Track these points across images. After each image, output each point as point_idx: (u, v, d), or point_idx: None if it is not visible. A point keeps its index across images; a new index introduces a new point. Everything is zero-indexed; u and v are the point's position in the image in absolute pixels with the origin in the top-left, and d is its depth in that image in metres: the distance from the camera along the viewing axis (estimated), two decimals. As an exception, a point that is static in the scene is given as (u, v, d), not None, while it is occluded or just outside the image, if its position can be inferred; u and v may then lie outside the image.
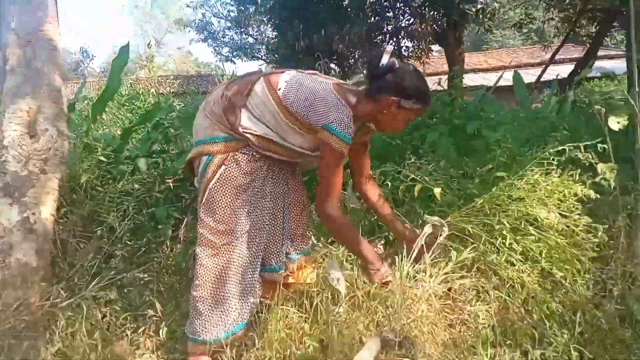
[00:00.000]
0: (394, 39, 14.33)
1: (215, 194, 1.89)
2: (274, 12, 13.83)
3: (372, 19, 12.87)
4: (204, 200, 1.92)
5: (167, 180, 2.70)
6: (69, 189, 2.52)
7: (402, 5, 12.84)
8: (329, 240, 2.25)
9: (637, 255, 2.17)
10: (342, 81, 2.03)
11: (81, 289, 2.20)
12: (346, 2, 12.24)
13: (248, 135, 1.89)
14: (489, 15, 9.63)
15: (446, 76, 13.31)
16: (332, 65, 12.87)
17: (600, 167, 2.17)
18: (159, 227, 2.83)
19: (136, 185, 2.73)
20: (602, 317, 1.94)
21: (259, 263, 2.00)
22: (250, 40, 20.04)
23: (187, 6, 20.04)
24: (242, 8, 17.25)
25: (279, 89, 1.87)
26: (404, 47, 14.95)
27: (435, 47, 15.44)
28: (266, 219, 2.00)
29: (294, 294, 2.05)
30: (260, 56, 19.44)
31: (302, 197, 2.14)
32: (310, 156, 1.98)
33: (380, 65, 1.83)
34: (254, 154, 1.93)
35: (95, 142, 3.19)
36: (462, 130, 2.82)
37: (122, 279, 2.44)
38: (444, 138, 2.82)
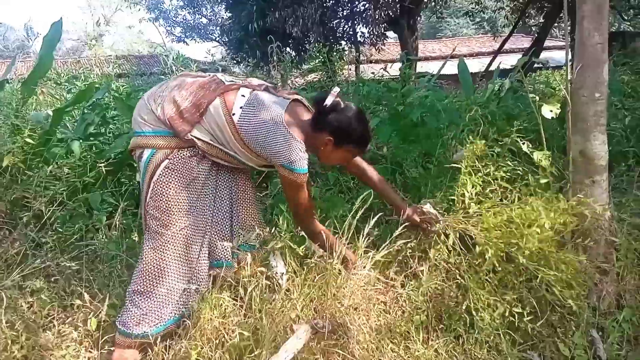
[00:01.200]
0: (349, 24, 14.33)
1: (159, 188, 1.87)
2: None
3: (328, 2, 12.80)
4: (149, 194, 1.89)
5: (100, 164, 2.58)
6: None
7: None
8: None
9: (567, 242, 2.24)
10: (294, 99, 2.01)
11: (3, 278, 2.08)
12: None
13: (195, 140, 1.88)
14: (441, 3, 9.73)
15: (399, 64, 13.47)
16: (287, 49, 12.72)
17: (536, 155, 2.23)
18: (94, 213, 2.73)
19: (66, 170, 2.59)
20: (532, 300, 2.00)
21: (204, 257, 2.00)
22: (204, 20, 19.56)
23: (136, -17, 19.27)
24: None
25: (234, 114, 1.85)
26: (360, 33, 15.01)
27: (391, 34, 15.52)
28: (209, 215, 2.00)
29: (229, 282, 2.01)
30: (214, 37, 19.02)
31: (250, 194, 2.16)
32: (259, 169, 2.07)
33: (324, 104, 1.87)
34: (200, 153, 1.93)
35: (24, 124, 3.02)
36: (406, 117, 2.82)
37: (48, 267, 2.33)
38: (386, 125, 2.82)
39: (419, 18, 13.46)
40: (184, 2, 18.65)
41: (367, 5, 13.08)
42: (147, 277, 1.89)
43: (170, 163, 1.88)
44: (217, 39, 18.42)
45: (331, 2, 13.06)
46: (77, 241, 2.61)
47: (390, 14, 11.10)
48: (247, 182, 2.16)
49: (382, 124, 2.87)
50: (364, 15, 13.71)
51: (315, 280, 1.93)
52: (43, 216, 2.50)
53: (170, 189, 1.87)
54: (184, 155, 1.90)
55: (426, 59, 19.99)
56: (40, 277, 2.28)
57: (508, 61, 9.28)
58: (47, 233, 2.61)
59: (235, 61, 14.54)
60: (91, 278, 2.32)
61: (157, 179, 1.87)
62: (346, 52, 15.95)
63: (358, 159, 2.21)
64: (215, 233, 2.05)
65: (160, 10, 19.34)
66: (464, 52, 18.45)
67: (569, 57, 2.29)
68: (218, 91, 1.88)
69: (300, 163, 1.83)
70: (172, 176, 1.88)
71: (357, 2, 13.31)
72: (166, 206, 1.88)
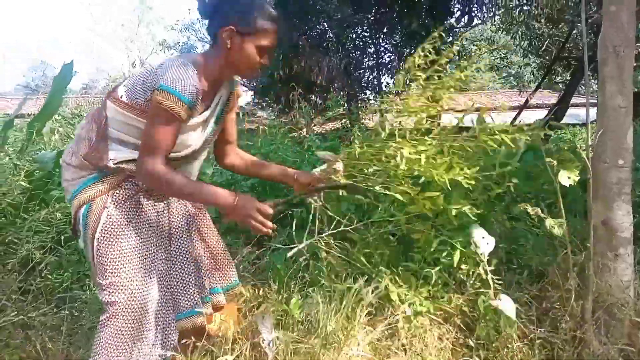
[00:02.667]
0: (374, 74, 14.47)
1: (102, 247, 1.60)
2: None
3: (353, 53, 12.98)
4: (94, 257, 1.62)
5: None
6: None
7: (382, 41, 12.98)
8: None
9: (587, 320, 2.03)
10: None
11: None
12: (328, 36, 12.31)
13: (123, 165, 1.63)
14: (465, 58, 9.74)
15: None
16: (312, 97, 12.86)
17: (549, 222, 2.04)
18: (87, 262, 2.62)
19: (58, 215, 2.50)
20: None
21: (169, 312, 1.73)
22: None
23: (172, 28, 19.98)
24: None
25: (121, 96, 1.62)
26: (385, 83, 15.12)
27: (416, 85, 15.60)
28: (165, 262, 1.73)
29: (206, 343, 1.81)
30: (242, 82, 19.42)
31: (210, 224, 1.91)
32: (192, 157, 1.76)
33: (204, 6, 1.64)
34: (138, 185, 1.68)
35: (29, 164, 2.98)
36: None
37: (29, 318, 2.21)
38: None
39: (444, 70, 13.49)
40: (215, 47, 19.19)
41: (392, 57, 13.21)
42: (107, 354, 1.60)
43: (109, 212, 1.61)
44: (245, 83, 18.78)
45: (357, 53, 13.23)
46: (64, 290, 2.50)
47: (415, 65, 11.12)
48: (204, 213, 1.90)
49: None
50: (388, 66, 13.87)
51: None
52: (30, 262, 2.40)
53: (116, 244, 1.61)
54: (121, 196, 1.64)
55: (450, 111, 20.00)
56: (18, 328, 2.16)
57: (534, 116, 9.12)
58: (36, 280, 2.52)
59: (260, 106, 14.76)
60: (72, 333, 2.19)
61: (99, 236, 1.60)
62: (370, 101, 16.12)
63: (239, 151, 1.99)
64: (176, 280, 1.74)
65: (193, 55, 19.91)
66: (489, 106, 18.38)
67: (590, 119, 2.13)
68: (105, 96, 1.67)
69: (183, 86, 1.51)
70: (115, 228, 1.61)
71: (382, 54, 13.48)
72: (113, 268, 1.59)
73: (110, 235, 1.60)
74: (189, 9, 19.83)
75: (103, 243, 1.59)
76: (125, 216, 1.63)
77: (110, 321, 1.60)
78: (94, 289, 2.44)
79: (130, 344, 1.62)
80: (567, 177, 1.99)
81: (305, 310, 2.06)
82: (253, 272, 2.46)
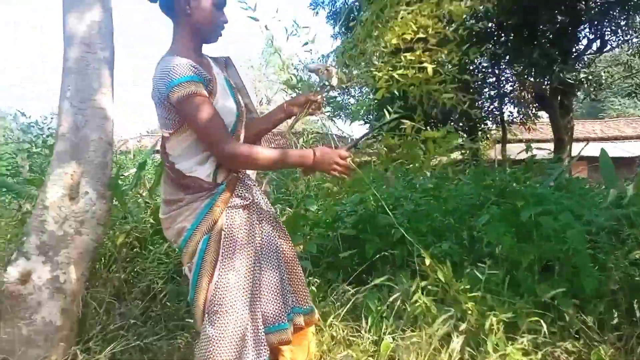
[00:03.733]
0: (496, 104, 13.92)
1: (223, 279, 1.63)
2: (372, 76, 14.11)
3: (472, 85, 12.62)
4: (210, 287, 1.64)
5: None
6: (108, 250, 2.62)
7: (503, 70, 12.50)
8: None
9: None
10: None
11: (97, 352, 2.21)
12: (447, 67, 12.12)
13: (221, 175, 1.69)
14: (595, 85, 9.01)
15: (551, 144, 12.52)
16: (428, 129, 12.65)
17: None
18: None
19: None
20: None
21: (260, 328, 1.72)
22: (352, 101, 20.52)
23: (295, 68, 21.07)
24: (346, 71, 17.78)
25: (167, 136, 1.71)
26: (508, 113, 14.45)
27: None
28: (264, 274, 1.76)
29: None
30: (359, 117, 19.76)
31: (292, 246, 1.93)
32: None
33: None
34: (244, 194, 1.73)
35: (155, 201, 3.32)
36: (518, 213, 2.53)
37: (147, 344, 2.43)
38: (495, 222, 2.55)
39: (574, 97, 12.58)
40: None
41: (514, 85, 12.66)
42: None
43: (226, 234, 1.66)
44: (364, 117, 19.10)
45: (476, 83, 12.85)
46: (181, 318, 2.72)
47: (539, 94, 10.52)
48: (287, 237, 1.92)
49: (493, 221, 2.60)
50: (510, 95, 13.27)
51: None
52: (152, 291, 2.66)
53: (230, 273, 1.63)
54: (233, 214, 1.69)
55: (585, 139, 18.49)
56: (136, 353, 2.39)
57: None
58: (157, 307, 2.77)
59: (375, 139, 14.85)
60: (184, 358, 2.36)
61: (220, 266, 1.64)
62: (492, 132, 15.45)
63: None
64: (266, 294, 1.75)
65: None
66: (629, 134, 16.74)
67: None
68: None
69: (175, 72, 1.55)
70: (231, 255, 1.65)
71: (503, 83, 12.96)
72: (224, 298, 1.61)
73: (227, 265, 1.64)
74: (310, 50, 20.71)
75: (223, 272, 1.64)
76: (238, 243, 1.68)
77: (214, 347, 1.61)
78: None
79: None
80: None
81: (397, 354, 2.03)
82: (348, 310, 2.46)
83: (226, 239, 1.67)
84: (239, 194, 1.73)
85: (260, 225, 1.80)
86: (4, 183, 3.52)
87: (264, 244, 1.80)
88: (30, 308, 2.13)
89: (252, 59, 35.61)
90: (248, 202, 1.74)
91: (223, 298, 1.62)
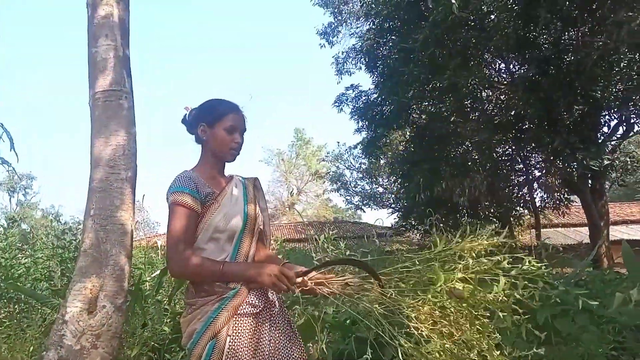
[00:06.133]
0: (524, 190, 13.82)
1: None
2: (397, 166, 14.43)
3: (500, 170, 12.66)
4: None
5: None
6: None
7: (529, 157, 12.56)
8: None
9: None
10: None
11: None
12: (469, 157, 12.30)
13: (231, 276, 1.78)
14: (621, 171, 8.93)
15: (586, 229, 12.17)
16: (458, 216, 12.58)
17: None
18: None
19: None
20: None
21: None
22: (380, 189, 20.77)
23: (323, 160, 21.70)
24: (373, 160, 18.23)
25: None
26: (538, 198, 14.28)
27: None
28: None
29: None
30: (389, 204, 19.89)
31: (304, 353, 1.91)
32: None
33: (185, 119, 2.00)
34: (255, 302, 1.79)
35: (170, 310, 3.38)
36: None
37: None
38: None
39: (605, 182, 12.41)
40: (363, 175, 20.29)
41: (542, 171, 12.62)
42: None
43: (232, 342, 1.70)
44: (392, 205, 19.21)
45: (503, 170, 12.89)
46: None
47: (567, 179, 10.45)
48: (299, 340, 1.92)
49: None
50: (539, 180, 13.19)
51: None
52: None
53: None
54: (241, 324, 1.73)
55: (624, 222, 17.91)
56: None
57: None
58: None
59: (404, 227, 14.84)
60: None
61: None
62: (525, 217, 15.20)
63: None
64: None
65: (342, 182, 21.23)
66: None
67: None
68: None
69: (179, 182, 1.80)
70: (235, 356, 1.68)
71: (531, 169, 12.95)
72: None
73: None
74: (338, 142, 21.56)
75: None
76: (243, 353, 1.71)
77: None
78: None
79: None
80: None
81: None
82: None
83: (230, 349, 1.70)
84: (250, 302, 1.78)
85: (270, 332, 1.82)
86: (33, 294, 3.68)
87: (271, 354, 1.81)
88: None
89: (283, 151, 36.86)
90: (258, 310, 1.79)
91: None
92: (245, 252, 1.89)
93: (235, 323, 1.75)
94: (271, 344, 1.82)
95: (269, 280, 1.74)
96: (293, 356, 1.88)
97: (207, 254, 1.80)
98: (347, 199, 21.31)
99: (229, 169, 2.01)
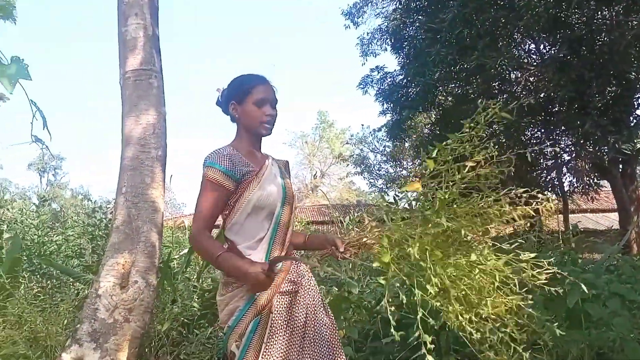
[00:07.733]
0: (553, 174, 13.58)
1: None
2: (422, 149, 14.21)
3: (528, 155, 12.35)
4: None
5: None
6: (156, 333, 2.72)
7: (559, 140, 12.30)
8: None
9: None
10: None
11: None
12: (499, 139, 12.09)
13: (261, 247, 1.82)
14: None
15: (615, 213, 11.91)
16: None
17: None
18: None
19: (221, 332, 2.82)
20: None
21: None
22: (404, 173, 20.62)
23: (347, 142, 21.60)
24: (398, 143, 18.08)
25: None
26: (568, 182, 14.02)
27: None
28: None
29: None
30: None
31: (336, 331, 1.94)
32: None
33: (218, 104, 2.00)
34: (295, 280, 1.82)
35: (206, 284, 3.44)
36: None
37: None
38: (540, 307, 2.47)
39: (638, 165, 12.09)
40: (387, 158, 20.14)
41: (571, 155, 12.36)
42: None
43: (275, 319, 1.74)
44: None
45: (533, 154, 12.65)
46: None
47: (597, 163, 10.21)
48: (332, 318, 1.94)
49: (538, 306, 2.52)
50: (569, 164, 12.93)
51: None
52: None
53: (280, 349, 1.71)
54: (284, 297, 1.78)
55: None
56: None
57: None
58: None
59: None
60: None
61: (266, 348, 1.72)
62: (553, 202, 14.95)
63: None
64: None
65: (365, 164, 21.14)
66: None
67: None
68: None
69: (216, 158, 1.80)
70: (279, 332, 1.73)
71: (560, 153, 12.69)
72: None
73: (273, 348, 1.72)
74: (362, 124, 21.44)
75: (268, 356, 1.71)
76: (285, 328, 1.76)
77: None
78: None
79: None
80: None
81: None
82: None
83: (274, 324, 1.75)
84: (290, 280, 1.82)
85: (304, 301, 1.85)
86: (66, 269, 3.78)
87: (309, 330, 1.84)
88: (79, 393, 2.24)
89: (306, 133, 36.83)
90: (298, 289, 1.83)
91: None
92: (285, 223, 1.90)
93: (278, 300, 1.79)
94: (308, 322, 1.84)
95: (253, 281, 1.69)
96: (325, 323, 1.91)
97: (245, 230, 1.83)
98: (370, 182, 21.22)
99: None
